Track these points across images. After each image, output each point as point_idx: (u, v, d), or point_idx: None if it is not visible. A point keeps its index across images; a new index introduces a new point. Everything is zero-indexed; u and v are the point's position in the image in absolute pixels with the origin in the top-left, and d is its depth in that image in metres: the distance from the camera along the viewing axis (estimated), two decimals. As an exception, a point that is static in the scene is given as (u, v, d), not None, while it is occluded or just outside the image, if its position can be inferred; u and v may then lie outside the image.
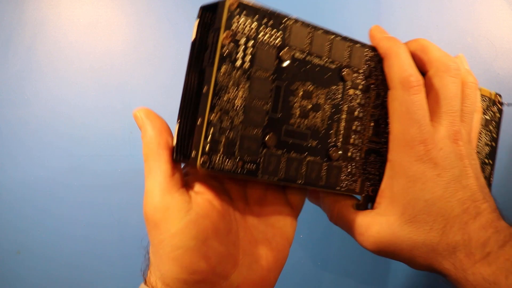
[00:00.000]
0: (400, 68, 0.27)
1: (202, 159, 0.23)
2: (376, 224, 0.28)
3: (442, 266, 0.26)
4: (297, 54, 0.26)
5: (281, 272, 0.28)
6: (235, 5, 0.24)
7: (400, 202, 0.27)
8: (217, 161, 0.24)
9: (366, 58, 0.29)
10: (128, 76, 0.42)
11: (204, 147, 0.23)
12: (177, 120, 0.26)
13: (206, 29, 0.26)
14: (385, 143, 0.31)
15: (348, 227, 0.30)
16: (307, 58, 0.27)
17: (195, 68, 0.26)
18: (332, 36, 0.28)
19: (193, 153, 0.24)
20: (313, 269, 0.41)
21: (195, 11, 0.41)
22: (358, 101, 0.29)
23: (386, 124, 0.31)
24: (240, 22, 0.24)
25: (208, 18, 0.26)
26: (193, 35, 0.26)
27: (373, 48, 0.29)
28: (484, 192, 0.28)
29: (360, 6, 0.43)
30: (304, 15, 0.43)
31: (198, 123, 0.24)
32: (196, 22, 0.26)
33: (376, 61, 0.30)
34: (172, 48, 0.43)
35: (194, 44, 0.26)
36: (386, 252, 0.28)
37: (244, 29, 0.24)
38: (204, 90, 0.24)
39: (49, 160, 0.41)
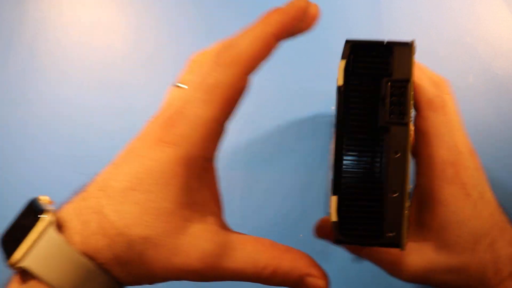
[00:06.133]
0: (424, 90, 0.27)
1: (406, 239, 0.20)
2: (411, 253, 0.26)
3: (470, 286, 0.26)
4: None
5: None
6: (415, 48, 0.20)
7: (432, 227, 0.26)
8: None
9: None
10: (129, 76, 0.43)
11: (406, 226, 0.20)
12: (332, 192, 0.21)
13: (351, 69, 0.21)
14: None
15: (378, 258, 0.28)
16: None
17: (346, 122, 0.21)
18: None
19: (391, 234, 0.20)
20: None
21: (196, 11, 0.41)
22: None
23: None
24: None
25: (358, 56, 0.21)
26: (339, 80, 0.20)
27: None
28: (498, 202, 0.28)
29: (360, 6, 0.43)
30: (304, 15, 0.43)
31: (393, 196, 0.20)
32: (342, 64, 0.21)
33: None
34: (173, 48, 0.43)
35: (342, 92, 0.20)
36: (421, 280, 0.27)
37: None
38: (397, 155, 0.20)
39: (49, 160, 0.41)
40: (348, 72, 0.20)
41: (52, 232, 0.18)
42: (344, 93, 0.20)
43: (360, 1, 0.43)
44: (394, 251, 0.26)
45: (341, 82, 0.20)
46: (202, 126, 0.19)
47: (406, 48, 0.20)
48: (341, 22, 0.43)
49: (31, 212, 0.19)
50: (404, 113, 0.20)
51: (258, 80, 0.42)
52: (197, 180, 0.20)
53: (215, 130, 0.20)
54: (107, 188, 0.20)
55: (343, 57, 0.20)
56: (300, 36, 0.21)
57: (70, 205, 0.20)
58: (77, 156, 0.41)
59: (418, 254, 0.26)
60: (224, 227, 0.21)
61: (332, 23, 0.43)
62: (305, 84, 0.42)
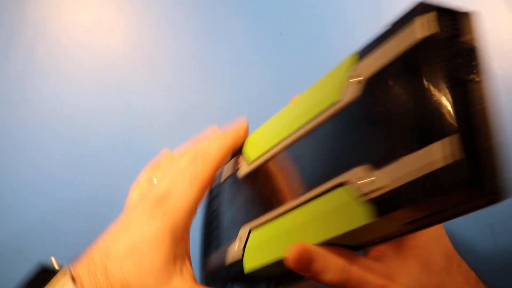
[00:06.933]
0: None
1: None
2: (400, 273, 0.25)
3: None
4: None
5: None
6: None
7: (412, 245, 0.26)
8: None
9: None
10: (129, 76, 0.43)
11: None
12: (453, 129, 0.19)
13: None
14: None
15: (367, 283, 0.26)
16: None
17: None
18: None
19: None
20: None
21: (195, 12, 0.41)
22: None
23: None
24: None
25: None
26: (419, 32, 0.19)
27: None
28: None
29: (360, 6, 0.43)
30: (304, 15, 0.43)
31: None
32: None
33: None
34: (172, 48, 0.43)
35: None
36: None
37: None
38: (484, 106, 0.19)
39: (49, 160, 0.41)
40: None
41: (69, 284, 0.22)
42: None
43: (360, 1, 0.43)
44: (384, 275, 0.25)
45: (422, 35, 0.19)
46: (186, 202, 0.25)
47: (471, 16, 0.20)
48: (341, 23, 0.43)
49: (47, 270, 0.23)
50: (475, 70, 0.19)
51: (265, 77, 0.42)
52: (179, 243, 0.25)
53: (194, 207, 0.26)
54: (110, 251, 0.24)
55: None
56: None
57: (79, 264, 0.24)
58: (77, 156, 0.41)
59: (406, 274, 0.25)
60: (195, 280, 0.26)
61: (331, 23, 0.43)
62: (306, 83, 0.42)
